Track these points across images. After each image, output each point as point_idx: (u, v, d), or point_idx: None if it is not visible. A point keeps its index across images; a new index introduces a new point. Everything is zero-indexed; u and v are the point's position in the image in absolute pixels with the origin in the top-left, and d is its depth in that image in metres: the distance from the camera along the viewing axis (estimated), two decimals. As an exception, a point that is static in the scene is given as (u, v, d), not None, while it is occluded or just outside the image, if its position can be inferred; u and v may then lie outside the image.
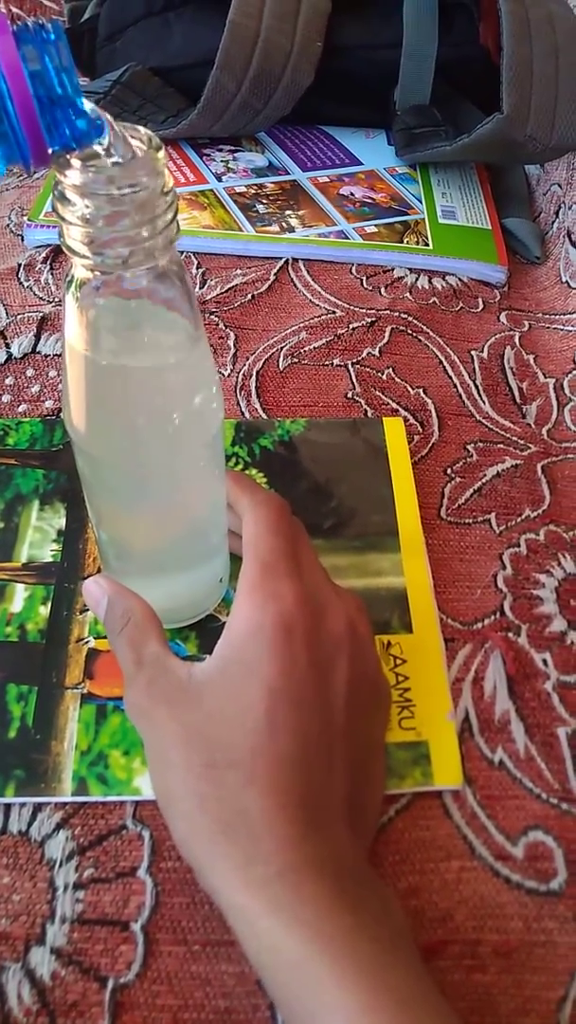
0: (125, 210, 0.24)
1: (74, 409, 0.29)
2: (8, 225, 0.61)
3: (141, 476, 0.30)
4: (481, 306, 0.56)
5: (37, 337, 0.52)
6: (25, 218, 0.60)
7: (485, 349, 0.52)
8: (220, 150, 0.67)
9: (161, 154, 0.24)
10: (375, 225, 0.60)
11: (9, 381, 0.49)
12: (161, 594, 0.37)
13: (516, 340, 0.54)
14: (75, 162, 0.23)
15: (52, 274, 0.56)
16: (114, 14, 0.74)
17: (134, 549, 0.34)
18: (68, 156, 0.24)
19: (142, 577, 0.36)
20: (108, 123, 0.23)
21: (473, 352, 0.52)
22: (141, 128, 0.24)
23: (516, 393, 0.50)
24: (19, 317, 0.53)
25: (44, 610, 0.38)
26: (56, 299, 0.55)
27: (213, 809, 0.27)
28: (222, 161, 0.65)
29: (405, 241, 0.58)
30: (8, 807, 0.33)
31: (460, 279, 0.57)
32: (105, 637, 0.37)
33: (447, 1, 0.64)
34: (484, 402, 0.49)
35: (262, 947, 0.25)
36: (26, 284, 0.56)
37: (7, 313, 0.54)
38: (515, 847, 0.32)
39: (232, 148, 0.67)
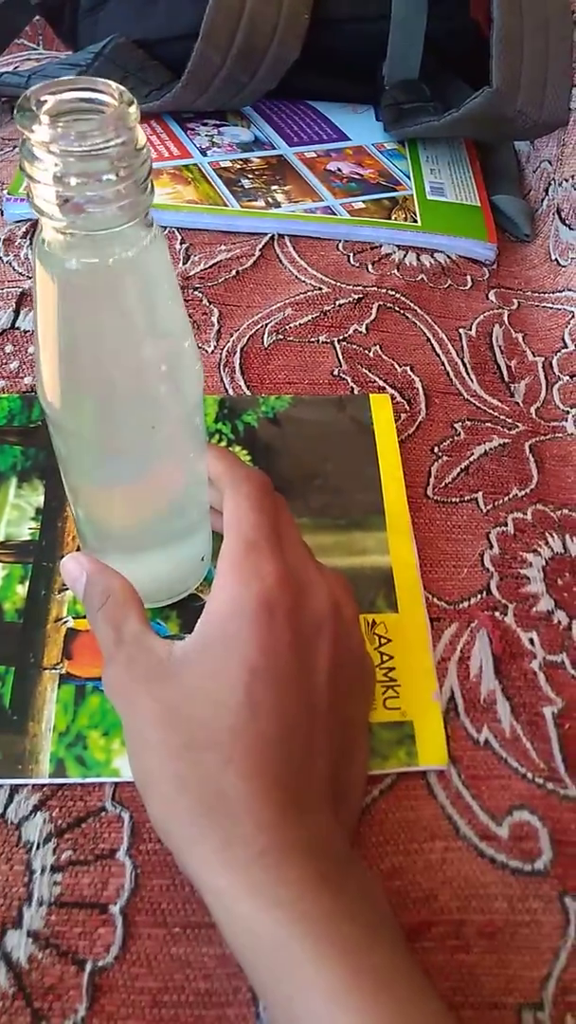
0: (97, 168, 0.23)
1: (47, 380, 0.28)
2: (-13, 199, 0.60)
3: (116, 450, 0.29)
4: (470, 283, 0.55)
5: (16, 313, 0.50)
6: (5, 192, 0.59)
7: (473, 327, 0.52)
8: (205, 124, 0.66)
9: (133, 108, 0.23)
10: (363, 201, 0.59)
11: (-13, 357, 0.48)
12: (141, 573, 0.36)
13: (505, 318, 0.53)
14: (43, 117, 0.23)
15: (32, 249, 0.55)
16: None
17: (112, 527, 0.34)
18: (35, 111, 0.23)
19: (121, 556, 0.35)
20: None
21: (461, 330, 0.51)
22: (112, 83, 0.23)
23: (504, 371, 0.49)
24: (-2, 292, 0.52)
25: (22, 589, 0.37)
26: (36, 274, 0.53)
27: (192, 790, 0.26)
28: (207, 135, 0.64)
29: (393, 217, 0.57)
30: (-16, 789, 0.32)
31: (448, 256, 0.57)
32: (84, 617, 0.37)
33: None
34: (472, 380, 0.48)
35: (241, 930, 0.25)
36: (5, 259, 0.55)
37: (-14, 288, 0.52)
38: (500, 827, 0.31)
39: (217, 123, 0.66)
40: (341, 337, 0.50)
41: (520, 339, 0.52)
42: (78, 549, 0.39)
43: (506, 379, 0.49)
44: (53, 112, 0.23)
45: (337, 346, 0.49)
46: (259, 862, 0.25)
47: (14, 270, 0.54)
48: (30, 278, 0.53)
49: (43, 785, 0.32)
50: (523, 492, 0.43)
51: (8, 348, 0.49)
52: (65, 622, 0.36)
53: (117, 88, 0.23)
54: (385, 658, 0.35)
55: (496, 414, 0.47)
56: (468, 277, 0.55)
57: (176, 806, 0.26)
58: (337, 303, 0.52)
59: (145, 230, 0.25)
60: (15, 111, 0.23)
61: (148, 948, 0.29)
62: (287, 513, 0.33)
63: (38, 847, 0.31)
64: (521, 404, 0.47)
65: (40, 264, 0.25)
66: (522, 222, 0.60)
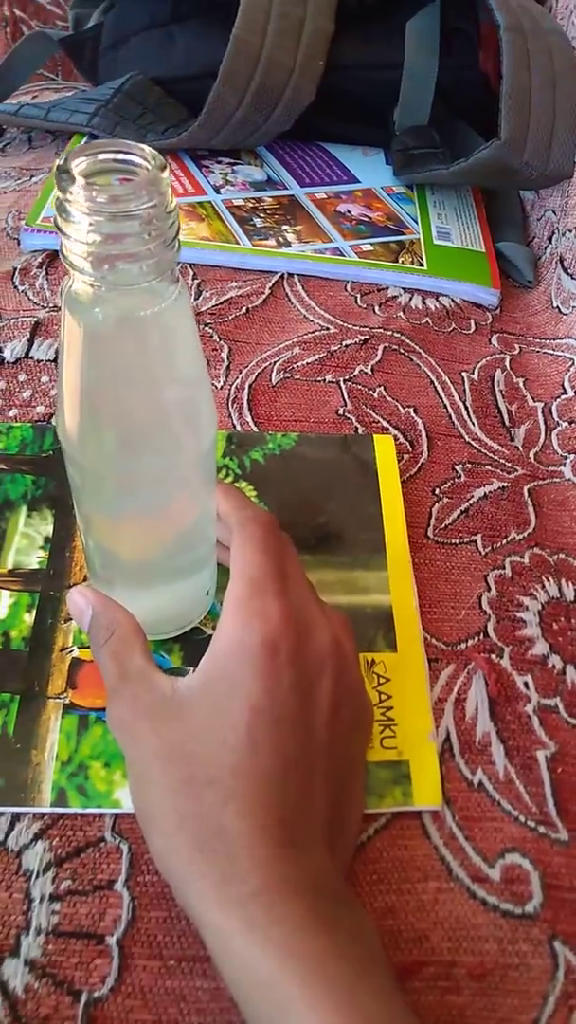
0: (128, 229, 0.24)
1: (67, 418, 0.29)
2: (5, 228, 0.61)
3: (132, 488, 0.30)
4: (473, 328, 0.56)
5: (30, 342, 0.52)
6: (22, 222, 0.60)
7: (476, 371, 0.53)
8: (219, 162, 0.67)
9: (165, 173, 0.24)
10: (371, 243, 0.60)
11: (0, 385, 0.49)
12: (147, 605, 0.37)
13: (507, 363, 0.54)
14: (79, 179, 0.24)
15: (47, 279, 0.57)
16: (118, 23, 0.74)
17: (121, 559, 0.34)
18: (72, 172, 0.24)
19: (128, 587, 0.36)
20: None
21: (464, 373, 0.53)
22: (146, 147, 0.24)
23: (505, 416, 0.51)
24: (12, 321, 0.53)
25: (28, 618, 0.38)
26: (50, 305, 0.55)
27: (191, 826, 0.27)
28: (221, 173, 0.66)
29: (400, 260, 0.59)
30: (-14, 816, 0.33)
31: (453, 300, 0.58)
32: (89, 647, 0.37)
33: (448, 26, 0.65)
34: (473, 423, 0.49)
35: (235, 966, 0.25)
36: (20, 288, 0.56)
37: (1, 317, 0.54)
38: (492, 869, 0.32)
39: (231, 161, 0.68)
40: (347, 377, 0.51)
41: (521, 384, 0.53)
42: (85, 579, 0.39)
43: (506, 423, 0.50)
44: (88, 172, 0.24)
45: (343, 386, 0.50)
46: (255, 899, 0.25)
47: (30, 300, 0.55)
48: (45, 308, 0.54)
49: (44, 814, 0.33)
50: (521, 536, 0.44)
51: (22, 377, 0.50)
52: (70, 652, 0.37)
53: (151, 152, 0.24)
54: (383, 697, 0.36)
55: (496, 457, 0.48)
56: (472, 321, 0.57)
57: (176, 841, 0.27)
58: (344, 344, 0.53)
59: (171, 285, 0.26)
60: (55, 171, 0.24)
61: (143, 980, 0.30)
62: (292, 552, 0.34)
63: (38, 875, 0.32)
64: (521, 448, 0.49)
65: (68, 312, 0.26)
66: (526, 269, 0.61)
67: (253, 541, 0.32)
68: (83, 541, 0.36)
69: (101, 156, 0.24)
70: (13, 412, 0.47)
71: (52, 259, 0.58)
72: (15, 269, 0.57)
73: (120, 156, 0.24)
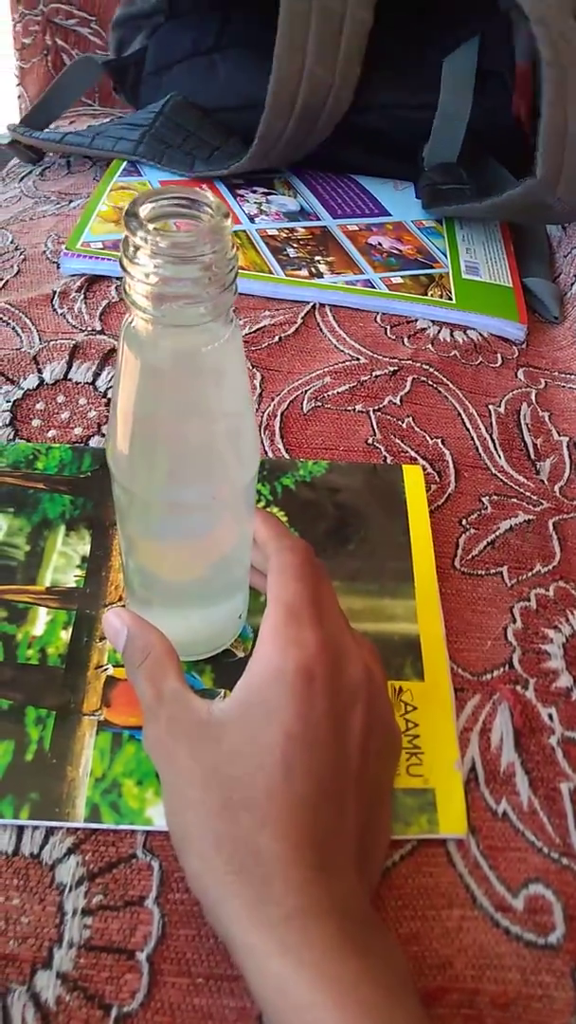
0: (189, 273, 0.25)
1: (119, 445, 0.30)
2: (44, 252, 0.63)
3: (177, 513, 0.31)
4: (500, 361, 0.57)
5: (69, 365, 0.53)
6: (62, 246, 0.62)
7: (502, 404, 0.54)
8: (254, 191, 0.69)
9: (228, 222, 0.25)
10: (401, 276, 0.61)
11: (40, 406, 0.50)
12: (181, 627, 0.38)
13: (532, 397, 0.55)
14: (145, 223, 0.25)
15: (86, 303, 0.58)
16: (162, 50, 0.76)
17: (161, 580, 0.35)
18: (140, 216, 0.25)
19: (165, 608, 0.37)
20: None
21: (491, 406, 0.54)
22: (210, 195, 0.25)
23: (531, 449, 0.51)
24: (52, 343, 0.55)
25: (65, 635, 0.39)
26: (88, 328, 0.56)
27: (227, 849, 0.27)
28: (255, 203, 0.67)
29: (429, 294, 0.60)
30: (21, 829, 0.34)
31: (480, 334, 0.59)
32: (124, 666, 0.38)
33: (483, 67, 0.66)
34: (500, 456, 0.50)
35: (269, 988, 0.26)
36: (59, 311, 0.57)
37: (40, 339, 0.55)
38: (515, 899, 0.33)
39: (265, 191, 0.69)
40: (376, 407, 0.52)
41: (546, 418, 0.54)
42: (121, 599, 0.40)
43: (532, 457, 0.51)
44: (153, 216, 0.26)
45: (372, 416, 0.52)
46: (289, 922, 0.26)
47: (68, 323, 0.56)
48: (83, 331, 0.56)
49: (77, 829, 0.34)
50: (546, 569, 0.44)
51: (60, 399, 0.51)
52: (105, 670, 0.38)
53: (215, 202, 0.25)
54: (410, 725, 0.37)
55: (522, 490, 0.49)
56: (499, 355, 0.58)
57: (212, 862, 0.27)
58: (374, 374, 0.54)
59: (226, 326, 0.27)
60: (124, 214, 0.25)
61: (172, 997, 0.30)
62: (327, 581, 0.35)
63: (70, 889, 0.32)
64: (546, 482, 0.49)
65: (127, 346, 0.28)
66: (552, 305, 0.62)
67: (290, 569, 0.33)
68: (123, 561, 0.37)
69: (166, 202, 0.25)
70: (52, 433, 0.49)
71: (91, 283, 0.59)
72: (55, 292, 0.58)
73: (185, 202, 0.26)
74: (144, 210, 0.25)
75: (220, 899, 0.27)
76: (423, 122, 0.67)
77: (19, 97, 0.98)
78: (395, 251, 0.64)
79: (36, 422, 0.49)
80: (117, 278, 0.60)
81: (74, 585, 0.41)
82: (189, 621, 0.38)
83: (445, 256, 0.64)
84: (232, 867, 0.27)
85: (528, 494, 0.48)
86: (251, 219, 0.65)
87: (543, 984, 0.31)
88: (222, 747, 0.29)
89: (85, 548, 0.42)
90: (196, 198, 0.25)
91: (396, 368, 0.55)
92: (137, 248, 0.25)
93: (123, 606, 0.40)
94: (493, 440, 0.51)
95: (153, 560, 0.35)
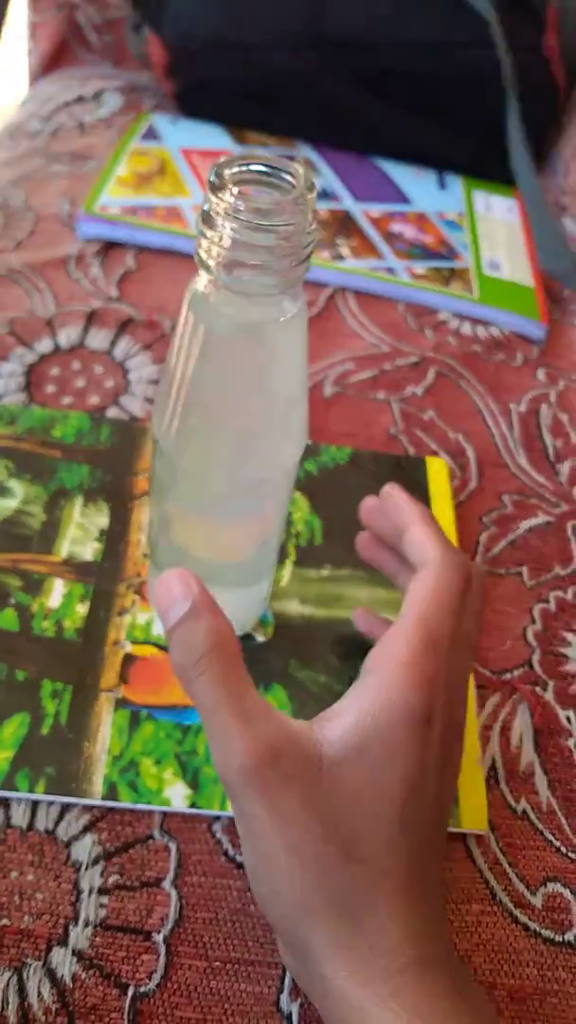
0: (265, 241, 0.24)
1: (169, 416, 0.29)
2: (58, 214, 0.61)
3: (223, 491, 0.31)
4: (520, 360, 0.57)
5: (85, 331, 0.52)
6: (80, 209, 0.60)
7: (523, 403, 0.54)
8: (276, 170, 0.68)
9: (313, 195, 0.24)
10: (424, 267, 0.61)
11: (54, 372, 0.49)
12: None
13: (552, 398, 0.55)
14: (229, 184, 0.24)
15: (102, 269, 0.57)
16: None
17: (196, 559, 0.35)
18: (225, 178, 0.24)
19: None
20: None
21: (511, 405, 0.54)
22: (300, 167, 0.25)
23: (550, 450, 0.51)
24: (66, 309, 0.53)
25: (82, 609, 0.38)
26: (105, 295, 0.55)
27: (342, 903, 0.25)
28: (278, 181, 0.66)
29: (452, 286, 0.60)
30: (36, 804, 0.33)
31: (501, 330, 0.59)
32: (142, 643, 0.37)
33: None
34: (520, 455, 0.50)
35: None
36: (74, 276, 0.56)
37: (55, 302, 0.53)
38: (534, 896, 0.33)
39: (287, 169, 0.68)
40: (398, 397, 0.52)
41: (565, 420, 0.54)
42: (138, 575, 0.39)
43: (551, 459, 0.51)
44: (238, 180, 0.25)
45: (394, 405, 0.51)
46: (404, 974, 0.24)
47: (84, 288, 0.55)
48: (100, 298, 0.54)
49: (93, 807, 0.33)
50: (565, 571, 0.45)
51: (75, 365, 0.50)
52: (122, 646, 0.37)
53: (305, 173, 0.24)
54: (432, 718, 0.36)
55: (542, 492, 0.49)
56: (519, 354, 0.58)
57: (322, 918, 0.25)
58: (396, 363, 0.54)
59: (294, 301, 0.27)
60: (210, 174, 0.24)
61: (189, 979, 0.30)
62: (478, 607, 0.31)
63: (87, 868, 0.32)
64: (565, 484, 0.50)
65: (190, 310, 0.27)
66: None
67: (445, 593, 0.29)
68: (151, 537, 0.36)
69: (254, 167, 0.25)
70: (67, 400, 0.47)
71: (107, 249, 0.58)
72: (70, 256, 0.57)
73: (271, 170, 0.25)
74: (229, 172, 0.24)
75: (325, 955, 0.24)
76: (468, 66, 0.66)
77: (29, 52, 0.95)
78: (418, 241, 0.63)
79: (51, 388, 0.48)
80: (135, 245, 0.58)
81: (91, 559, 0.40)
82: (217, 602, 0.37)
83: (466, 250, 0.64)
84: (345, 921, 0.24)
85: (548, 496, 0.48)
86: (274, 197, 0.64)
87: (559, 980, 0.31)
88: (340, 793, 0.25)
89: (103, 521, 0.41)
90: (283, 167, 0.25)
91: (419, 359, 0.54)
92: (216, 210, 0.24)
93: (143, 582, 0.39)
94: (514, 439, 0.51)
95: (192, 538, 0.34)
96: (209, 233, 0.24)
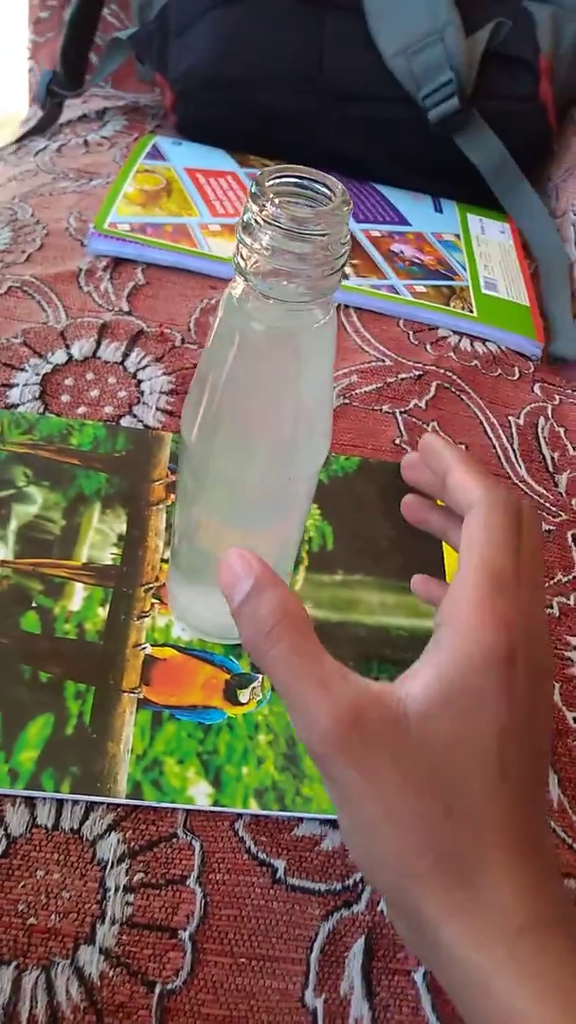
0: (301, 249, 0.25)
1: (201, 423, 0.30)
2: (67, 229, 0.62)
3: (250, 495, 0.32)
4: (517, 375, 0.59)
5: (98, 343, 0.52)
6: (89, 224, 0.61)
7: (521, 416, 0.55)
8: (278, 190, 0.69)
9: (348, 208, 0.26)
10: (424, 285, 0.62)
11: (68, 382, 0.50)
12: (224, 611, 0.37)
13: (549, 411, 0.57)
14: (270, 194, 0.25)
15: (112, 283, 0.58)
16: (183, 4, 0.72)
17: (216, 564, 0.35)
18: (266, 188, 0.25)
19: (210, 588, 0.37)
20: None
21: (511, 417, 0.55)
22: (338, 182, 0.26)
23: (549, 462, 0.53)
24: (79, 320, 0.54)
25: (102, 612, 0.39)
26: (116, 308, 0.55)
27: (451, 865, 0.24)
28: (280, 200, 0.68)
29: (452, 305, 0.61)
30: (61, 803, 0.33)
31: (499, 346, 0.61)
32: (162, 645, 0.38)
33: (509, 54, 0.69)
34: (520, 467, 0.52)
35: (492, 1007, 0.22)
36: (85, 289, 0.57)
37: (67, 315, 0.54)
38: (549, 892, 0.33)
39: (289, 190, 0.70)
40: (402, 409, 0.53)
41: (562, 433, 0.56)
42: (157, 579, 0.40)
43: (550, 469, 0.52)
44: (276, 190, 0.26)
45: (398, 417, 0.52)
46: (522, 935, 0.23)
47: (95, 301, 0.56)
48: (110, 311, 0.55)
49: (117, 806, 0.33)
50: (567, 578, 0.46)
51: (89, 376, 0.50)
52: (143, 648, 0.38)
53: (341, 188, 0.26)
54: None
55: (542, 501, 0.50)
56: (516, 368, 0.59)
57: (432, 882, 0.24)
58: (399, 377, 0.55)
59: (324, 311, 0.28)
60: (252, 184, 0.25)
61: (215, 976, 0.30)
62: (537, 541, 0.29)
63: (112, 866, 0.32)
64: (564, 495, 0.51)
65: (225, 315, 0.28)
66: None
67: (500, 531, 0.27)
68: (173, 542, 0.37)
69: (293, 179, 0.26)
70: (82, 409, 0.48)
71: (117, 264, 0.59)
72: (80, 270, 0.58)
73: (309, 182, 0.26)
74: (269, 183, 0.25)
75: (439, 920, 0.23)
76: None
77: (30, 71, 0.97)
78: (417, 260, 0.65)
79: (65, 397, 0.49)
80: (144, 262, 0.59)
81: (111, 563, 0.40)
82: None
83: (465, 270, 0.66)
84: (456, 882, 0.23)
85: (548, 505, 0.50)
86: (277, 215, 0.66)
87: None
88: (430, 748, 0.24)
89: (121, 527, 0.42)
90: (321, 180, 0.26)
91: (421, 373, 0.56)
92: (255, 217, 0.25)
93: (162, 586, 0.40)
94: (514, 450, 0.53)
95: (216, 542, 0.34)
96: (248, 240, 0.26)
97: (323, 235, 0.25)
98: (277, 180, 0.26)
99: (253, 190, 0.25)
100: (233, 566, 0.26)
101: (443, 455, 0.31)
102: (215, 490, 0.32)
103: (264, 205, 0.25)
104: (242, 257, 0.26)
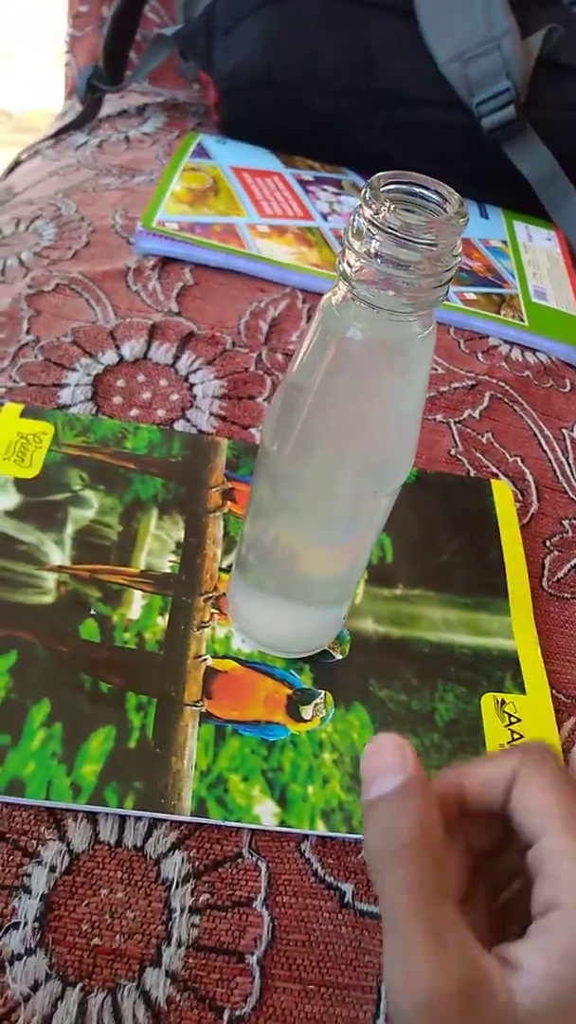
0: (410, 258, 0.24)
1: (287, 431, 0.29)
2: (113, 226, 0.61)
3: (330, 509, 0.31)
4: (568, 386, 0.58)
5: (148, 344, 0.52)
6: (136, 222, 0.60)
7: (575, 429, 0.54)
8: (324, 190, 0.68)
9: (464, 221, 0.25)
10: (474, 292, 0.62)
11: (120, 383, 0.49)
12: (290, 624, 0.37)
13: (601, 425, 0.56)
14: (383, 198, 0.24)
15: (160, 283, 0.57)
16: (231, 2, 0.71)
17: (284, 578, 0.34)
18: (380, 192, 0.24)
19: (277, 603, 0.36)
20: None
21: (564, 430, 0.54)
22: (455, 193, 0.25)
23: (603, 477, 0.52)
24: (128, 320, 0.53)
25: (162, 621, 0.38)
26: (165, 309, 0.55)
27: None
28: (327, 201, 0.67)
29: (502, 313, 0.60)
30: (124, 819, 0.32)
31: (549, 357, 0.60)
32: (223, 657, 0.37)
33: (560, 61, 0.67)
34: (576, 481, 0.51)
35: None
36: (134, 288, 0.56)
37: (116, 314, 0.53)
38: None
39: (335, 191, 0.69)
40: (457, 419, 0.52)
41: (614, 448, 0.55)
42: (216, 589, 0.39)
43: (605, 485, 0.51)
44: (393, 197, 0.25)
45: (453, 427, 0.51)
46: None
47: (143, 301, 0.55)
48: (159, 312, 0.54)
49: (181, 823, 0.33)
50: (624, 597, 0.45)
51: (140, 378, 0.49)
52: (204, 660, 0.37)
53: (458, 198, 0.25)
54: (515, 736, 0.36)
55: (598, 517, 0.49)
56: (567, 380, 0.58)
57: None
58: (452, 386, 0.54)
59: (425, 324, 0.27)
60: (365, 186, 0.24)
61: (284, 1002, 0.29)
62: None
63: (177, 886, 0.31)
64: (619, 511, 0.50)
65: (323, 320, 0.27)
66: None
67: (561, 785, 0.23)
68: (240, 551, 0.36)
69: (408, 186, 0.25)
70: (134, 412, 0.47)
71: (164, 263, 0.58)
72: (129, 268, 0.57)
73: (427, 192, 0.25)
74: (385, 187, 0.25)
75: None
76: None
77: (67, 65, 0.96)
78: (466, 266, 0.64)
79: (117, 399, 0.48)
80: (192, 262, 0.59)
81: (169, 571, 0.40)
82: (297, 620, 0.37)
83: (514, 277, 0.65)
84: None
85: (604, 521, 0.49)
86: (324, 217, 0.65)
87: None
88: None
89: (179, 534, 0.41)
90: (437, 188, 0.25)
91: (474, 383, 0.55)
92: (366, 221, 0.24)
93: (221, 596, 0.39)
94: (569, 464, 0.52)
95: (291, 556, 0.33)
96: (356, 244, 0.25)
97: (433, 245, 0.24)
98: (392, 185, 0.25)
99: (366, 195, 0.24)
100: (385, 753, 0.23)
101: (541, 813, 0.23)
102: (297, 501, 0.31)
103: (377, 209, 0.24)
104: (347, 263, 0.25)
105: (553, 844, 0.22)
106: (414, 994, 0.21)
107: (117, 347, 0.51)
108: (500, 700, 0.38)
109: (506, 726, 0.37)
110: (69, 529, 0.40)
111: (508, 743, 0.36)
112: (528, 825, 0.23)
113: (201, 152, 0.69)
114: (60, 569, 0.38)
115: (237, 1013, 0.29)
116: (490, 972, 0.21)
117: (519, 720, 0.37)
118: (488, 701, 0.38)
